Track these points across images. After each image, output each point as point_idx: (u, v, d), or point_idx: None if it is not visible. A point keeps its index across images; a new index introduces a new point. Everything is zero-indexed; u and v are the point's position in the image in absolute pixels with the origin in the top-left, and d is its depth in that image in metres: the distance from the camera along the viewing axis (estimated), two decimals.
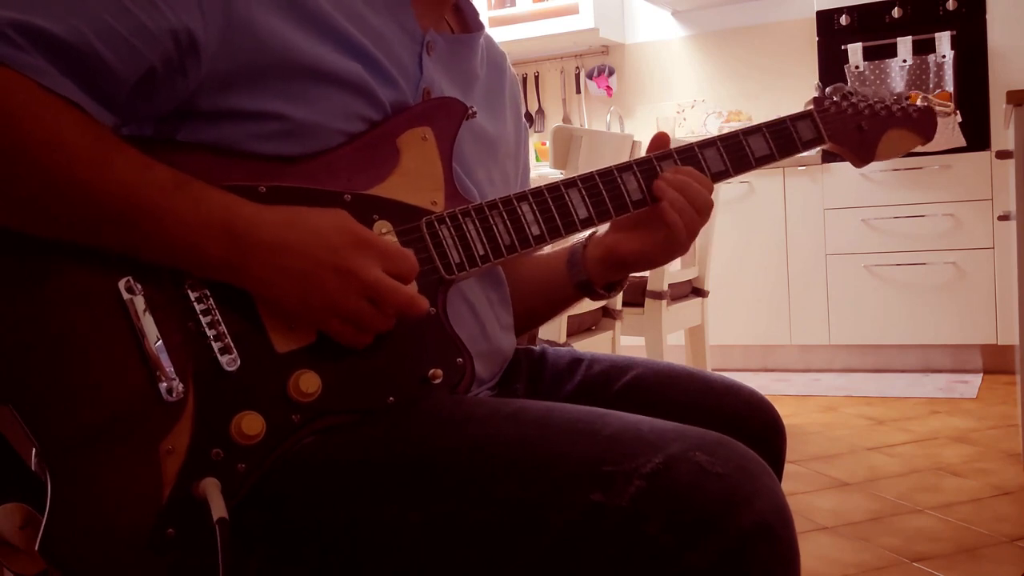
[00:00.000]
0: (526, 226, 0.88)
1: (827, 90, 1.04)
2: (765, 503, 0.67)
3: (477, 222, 0.86)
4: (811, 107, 1.02)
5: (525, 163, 1.13)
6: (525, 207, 0.88)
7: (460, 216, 0.86)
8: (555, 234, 0.89)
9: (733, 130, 0.98)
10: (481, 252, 0.86)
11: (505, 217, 0.87)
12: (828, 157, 4.02)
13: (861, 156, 1.04)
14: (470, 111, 0.90)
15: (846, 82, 3.96)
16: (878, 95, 1.05)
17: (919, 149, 3.85)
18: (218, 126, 0.80)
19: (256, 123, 0.80)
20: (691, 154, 0.95)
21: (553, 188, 0.90)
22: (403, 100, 0.88)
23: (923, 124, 1.06)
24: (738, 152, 0.97)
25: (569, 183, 0.90)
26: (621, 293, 2.55)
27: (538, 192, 0.89)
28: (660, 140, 0.98)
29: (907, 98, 1.06)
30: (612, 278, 1.04)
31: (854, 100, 1.03)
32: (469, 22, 1.02)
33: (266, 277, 0.75)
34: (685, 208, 0.93)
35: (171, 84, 0.77)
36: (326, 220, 0.78)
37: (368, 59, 0.85)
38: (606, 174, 0.92)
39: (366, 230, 0.79)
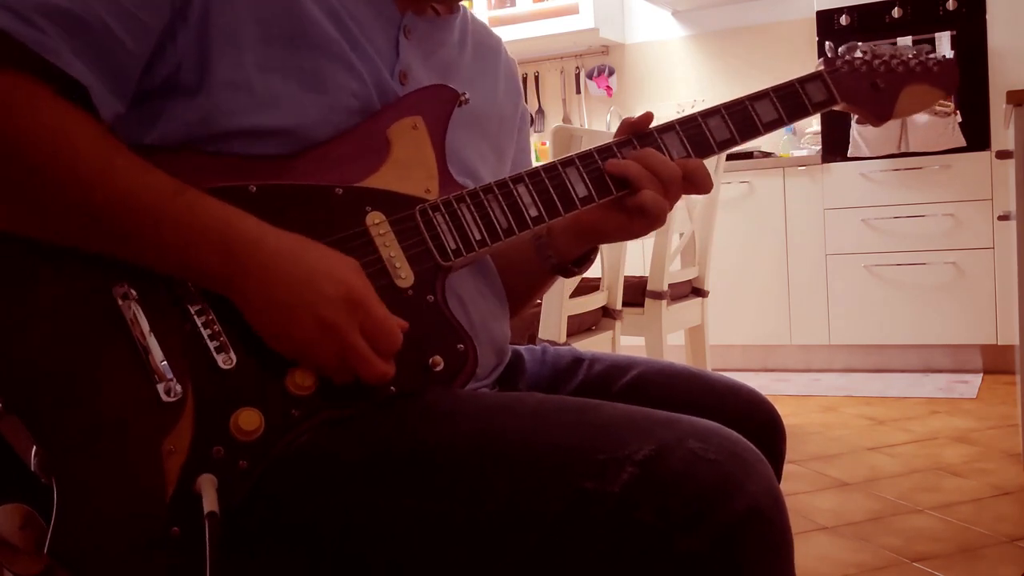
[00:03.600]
0: (524, 208, 0.87)
1: (840, 49, 0.99)
2: (757, 488, 0.67)
3: (472, 207, 0.85)
4: (822, 67, 0.99)
5: (526, 147, 1.12)
6: (521, 189, 0.87)
7: (455, 202, 0.85)
8: (554, 214, 0.88)
9: (738, 97, 0.95)
10: (478, 237, 0.85)
11: (501, 200, 0.86)
12: (828, 157, 4.02)
13: (878, 114, 0.99)
14: (462, 97, 0.89)
15: None
16: (896, 51, 1.00)
17: (919, 149, 3.82)
18: (201, 100, 0.80)
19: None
20: (695, 124, 0.93)
21: (549, 168, 0.89)
22: (383, 83, 0.88)
23: (944, 76, 1.01)
24: (744, 118, 0.94)
25: (566, 162, 0.89)
26: (621, 293, 2.55)
27: (534, 173, 0.88)
28: (636, 122, 0.94)
29: (929, 52, 1.01)
30: (583, 248, 1.02)
31: (868, 58, 0.99)
32: (452, 6, 1.00)
33: (254, 300, 0.75)
34: (655, 184, 0.89)
35: (162, 55, 0.79)
36: (327, 265, 0.77)
37: (342, 48, 0.85)
38: (604, 150, 0.91)
39: (367, 290, 0.77)
